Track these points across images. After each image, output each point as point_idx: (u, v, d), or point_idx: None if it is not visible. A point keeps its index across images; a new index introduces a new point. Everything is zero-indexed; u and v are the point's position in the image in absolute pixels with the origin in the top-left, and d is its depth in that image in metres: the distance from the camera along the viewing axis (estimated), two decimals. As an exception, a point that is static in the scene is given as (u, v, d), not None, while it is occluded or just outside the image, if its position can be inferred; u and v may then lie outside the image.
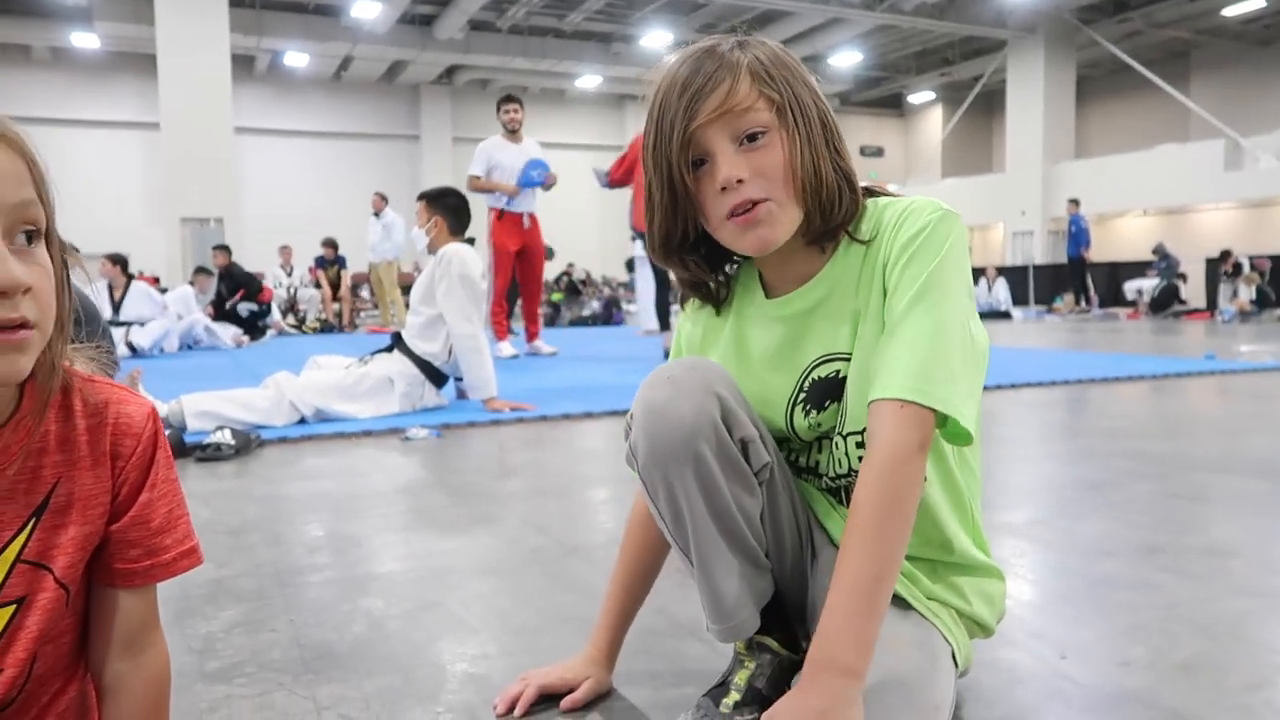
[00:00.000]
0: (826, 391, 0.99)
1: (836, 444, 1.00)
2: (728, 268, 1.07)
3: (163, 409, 3.21)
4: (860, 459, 0.96)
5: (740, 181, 0.92)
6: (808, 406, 1.01)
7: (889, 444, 0.86)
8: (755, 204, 0.93)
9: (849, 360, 0.98)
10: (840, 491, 1.03)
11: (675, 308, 6.01)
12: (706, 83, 0.91)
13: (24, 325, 0.63)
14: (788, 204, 0.94)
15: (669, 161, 0.94)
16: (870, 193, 1.02)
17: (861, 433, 0.94)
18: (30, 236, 0.66)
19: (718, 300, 1.07)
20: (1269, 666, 1.17)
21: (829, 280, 0.99)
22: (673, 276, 1.10)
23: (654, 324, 7.53)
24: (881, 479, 0.85)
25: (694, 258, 1.03)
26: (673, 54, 0.99)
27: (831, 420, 1.00)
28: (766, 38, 0.98)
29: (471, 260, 3.76)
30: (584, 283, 14.48)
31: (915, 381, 0.87)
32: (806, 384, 1.00)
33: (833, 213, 0.96)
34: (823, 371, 0.99)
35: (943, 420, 0.88)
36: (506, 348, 6.33)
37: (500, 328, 6.51)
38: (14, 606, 0.72)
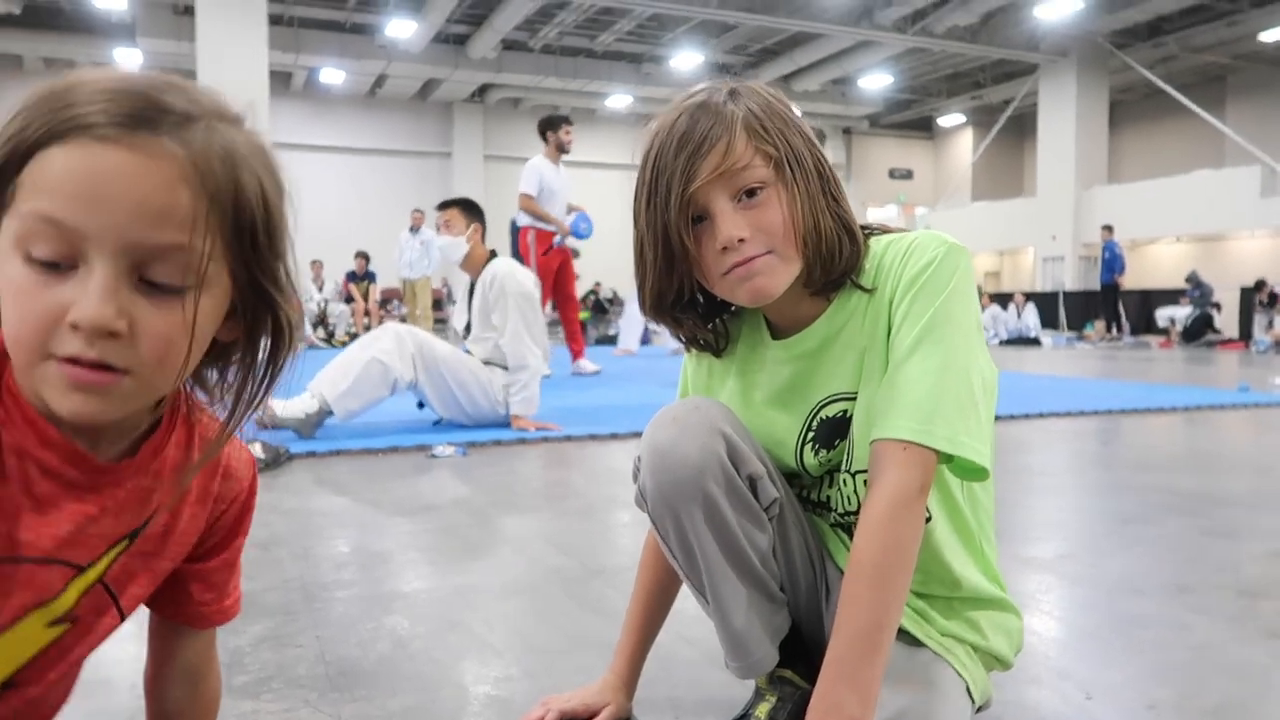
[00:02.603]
0: (835, 431, 0.99)
1: (844, 481, 0.99)
2: (724, 316, 1.06)
3: (311, 404, 3.38)
4: None
5: (742, 240, 0.91)
6: (817, 446, 1.01)
7: (890, 487, 0.86)
8: (754, 257, 0.91)
9: (856, 399, 0.97)
10: (850, 528, 1.03)
11: None
12: (704, 141, 0.90)
13: (105, 368, 0.57)
14: (788, 257, 0.93)
15: (665, 222, 0.92)
16: (870, 231, 1.01)
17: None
18: (166, 286, 0.58)
19: (716, 350, 1.06)
20: (1301, 712, 1.15)
21: (835, 321, 0.98)
22: None
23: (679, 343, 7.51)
24: (882, 525, 0.85)
25: (689, 314, 1.02)
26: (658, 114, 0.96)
27: (841, 457, 1.00)
28: (759, 82, 0.97)
29: (523, 275, 3.75)
30: (611, 301, 14.52)
31: (919, 422, 0.86)
32: (815, 424, 1.00)
33: (833, 264, 0.95)
34: (830, 411, 0.99)
35: (948, 457, 0.88)
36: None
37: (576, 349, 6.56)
38: (65, 626, 0.68)
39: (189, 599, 0.76)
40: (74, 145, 0.55)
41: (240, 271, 0.62)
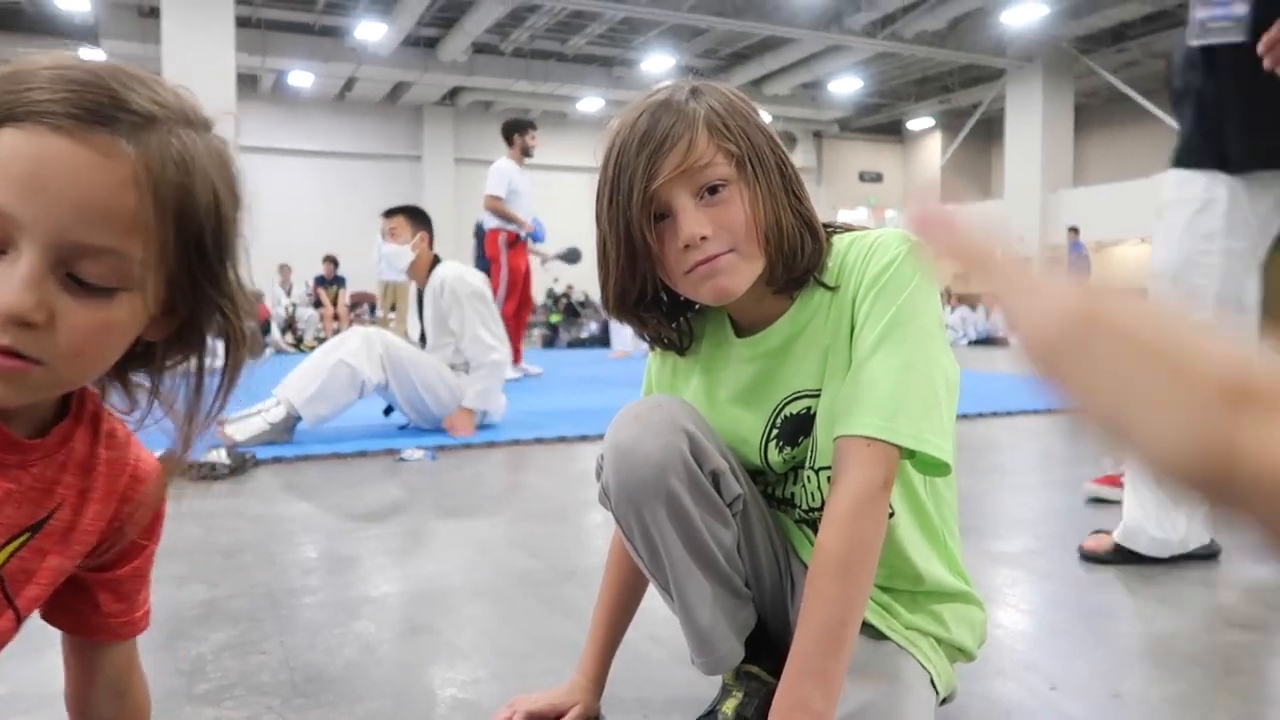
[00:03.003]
0: (799, 428, 0.99)
1: (809, 478, 1.00)
2: (688, 315, 1.06)
3: (277, 412, 3.33)
4: None
5: (704, 238, 0.90)
6: (781, 443, 1.01)
7: (854, 484, 0.86)
8: (717, 255, 0.91)
9: (819, 396, 0.97)
10: (814, 524, 1.02)
11: None
12: (665, 139, 0.89)
13: (16, 356, 0.56)
14: (750, 255, 0.92)
15: (628, 220, 0.91)
16: (833, 229, 1.01)
17: (832, 467, 0.93)
18: (95, 286, 0.57)
19: (680, 348, 1.06)
20: (1260, 699, 1.17)
21: (799, 318, 0.99)
22: None
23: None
24: (847, 521, 0.85)
25: (653, 312, 1.01)
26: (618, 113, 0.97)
27: (805, 454, 1.00)
28: (721, 82, 0.97)
29: (471, 275, 3.72)
30: (582, 304, 14.50)
31: (882, 419, 0.87)
32: (779, 421, 1.00)
33: (796, 261, 0.95)
34: (794, 408, 0.99)
35: (910, 453, 0.89)
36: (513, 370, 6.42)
37: (516, 351, 6.56)
38: None
39: (96, 610, 0.74)
40: (27, 130, 0.54)
41: (182, 278, 0.61)
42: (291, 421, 3.37)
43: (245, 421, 3.32)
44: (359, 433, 3.64)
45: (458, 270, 3.71)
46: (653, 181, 0.90)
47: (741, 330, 1.03)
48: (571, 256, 6.66)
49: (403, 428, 3.74)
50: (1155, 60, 18.48)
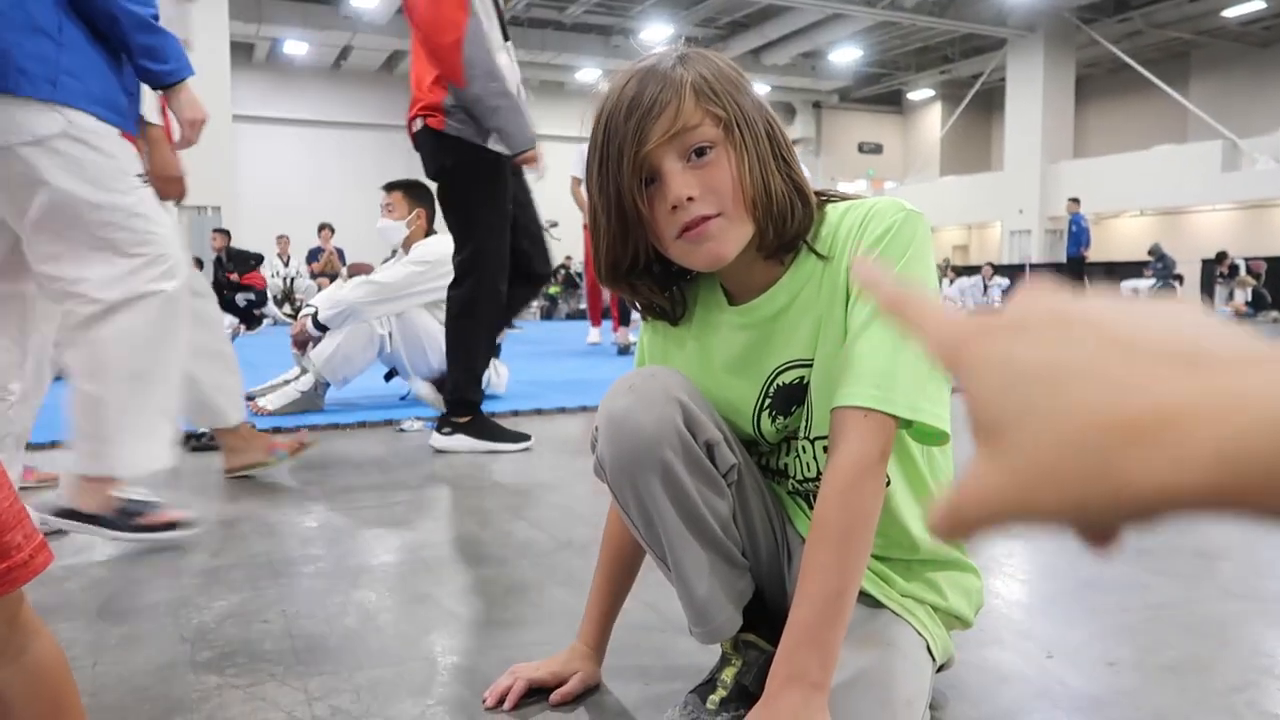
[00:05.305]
0: (791, 397, 0.99)
1: (803, 448, 1.00)
2: (680, 283, 1.05)
3: (306, 380, 3.46)
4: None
5: (691, 199, 0.90)
6: (773, 412, 1.01)
7: (851, 455, 0.86)
8: (706, 219, 0.91)
9: (812, 366, 0.97)
10: (808, 495, 1.03)
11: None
12: (653, 105, 0.89)
13: None
14: (738, 219, 0.92)
15: (618, 187, 0.91)
16: (828, 198, 1.00)
17: (827, 437, 0.93)
18: None
19: (673, 317, 1.05)
20: (1254, 669, 1.18)
21: (791, 286, 0.98)
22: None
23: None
24: (844, 491, 0.86)
25: (645, 281, 1.01)
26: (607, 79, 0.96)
27: (798, 424, 1.00)
28: (710, 49, 0.96)
29: (438, 247, 3.56)
30: (580, 275, 14.46)
31: (879, 389, 0.87)
32: (771, 390, 1.00)
33: (785, 226, 0.94)
34: (787, 378, 0.99)
35: (908, 423, 0.89)
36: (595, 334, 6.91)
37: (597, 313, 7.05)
38: None
39: None
40: None
41: None
42: (322, 387, 3.45)
43: (276, 392, 3.41)
44: (359, 403, 3.64)
45: (440, 243, 3.63)
46: (642, 147, 0.89)
47: (733, 298, 1.03)
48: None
49: (403, 398, 3.74)
50: (1158, 31, 18.32)
